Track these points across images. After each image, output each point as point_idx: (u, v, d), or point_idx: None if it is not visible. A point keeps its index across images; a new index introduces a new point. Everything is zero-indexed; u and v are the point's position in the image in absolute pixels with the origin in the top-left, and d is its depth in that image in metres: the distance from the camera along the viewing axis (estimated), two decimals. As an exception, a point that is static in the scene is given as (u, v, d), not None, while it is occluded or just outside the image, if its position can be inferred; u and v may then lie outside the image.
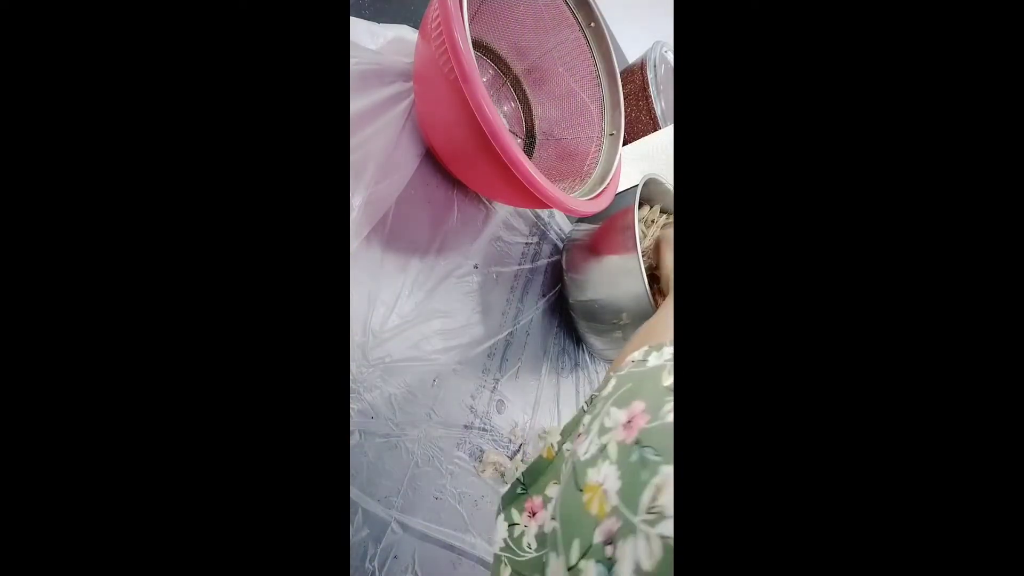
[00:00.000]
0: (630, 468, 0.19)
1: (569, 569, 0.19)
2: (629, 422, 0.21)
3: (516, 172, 0.33)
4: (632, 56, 0.71)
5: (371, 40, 0.42)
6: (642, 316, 0.42)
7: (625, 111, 0.49)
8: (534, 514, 0.27)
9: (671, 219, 0.55)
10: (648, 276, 0.42)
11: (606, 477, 0.19)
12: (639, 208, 0.47)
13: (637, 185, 0.47)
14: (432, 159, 0.42)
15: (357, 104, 0.37)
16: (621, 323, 0.44)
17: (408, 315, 0.37)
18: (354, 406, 0.31)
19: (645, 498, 0.17)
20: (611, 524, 0.18)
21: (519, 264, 0.50)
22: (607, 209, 0.43)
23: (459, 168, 0.42)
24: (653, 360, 0.24)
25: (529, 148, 0.52)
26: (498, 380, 0.43)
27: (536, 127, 0.53)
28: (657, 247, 0.45)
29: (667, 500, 0.16)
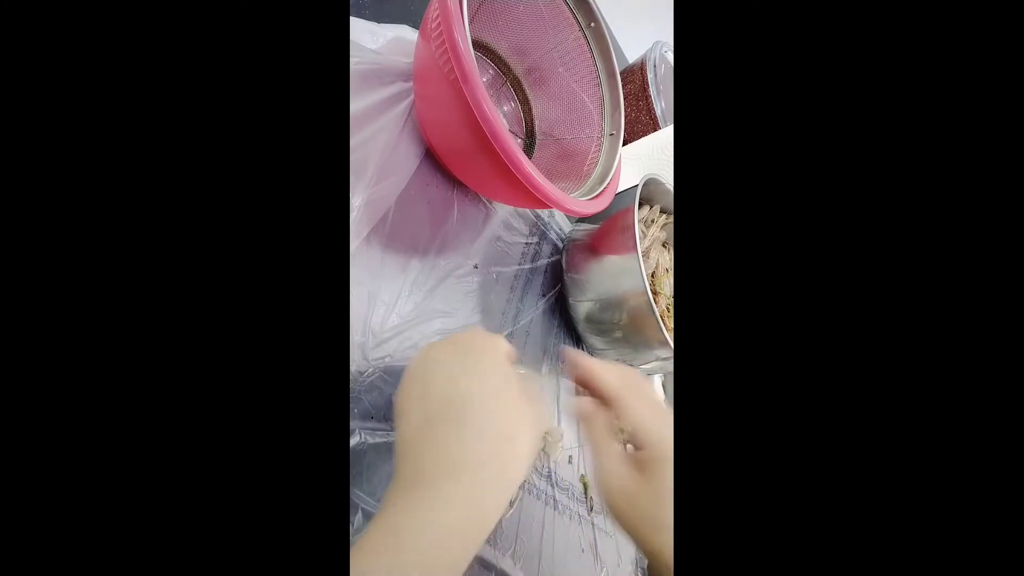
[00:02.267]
0: None
1: None
2: None
3: (516, 172, 0.33)
4: (632, 56, 0.71)
5: (371, 40, 0.42)
6: (642, 316, 0.42)
7: (625, 111, 0.49)
8: None
9: (671, 219, 0.55)
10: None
11: None
12: (639, 208, 0.47)
13: (637, 185, 0.47)
14: (432, 159, 0.42)
15: (357, 104, 0.37)
16: (621, 323, 0.44)
17: (408, 315, 0.37)
18: (354, 407, 0.31)
19: None
20: None
21: (519, 264, 0.50)
22: (607, 209, 0.43)
23: (459, 168, 0.42)
24: None
25: (529, 148, 0.52)
26: (498, 380, 0.43)
27: (536, 127, 0.53)
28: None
29: None
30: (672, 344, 0.43)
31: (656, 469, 0.24)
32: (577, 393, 0.28)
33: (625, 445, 0.26)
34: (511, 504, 0.39)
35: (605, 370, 0.26)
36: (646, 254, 0.50)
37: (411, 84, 0.41)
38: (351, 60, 0.38)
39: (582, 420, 0.27)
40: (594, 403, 0.27)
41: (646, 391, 0.26)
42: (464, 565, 0.17)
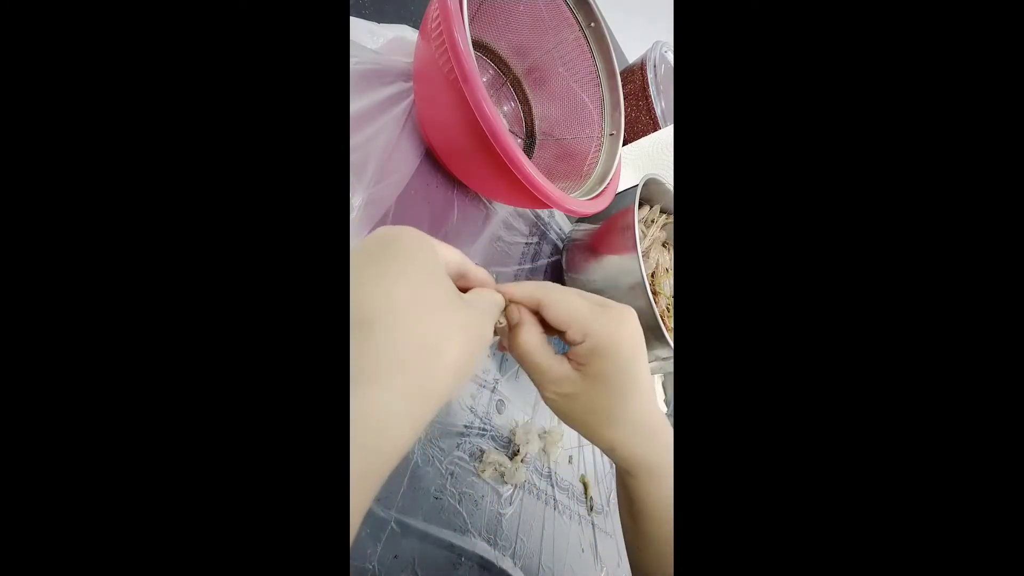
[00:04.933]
0: None
1: None
2: None
3: (516, 172, 0.33)
4: (632, 56, 0.71)
5: (371, 40, 0.42)
6: (641, 316, 0.42)
7: (625, 111, 0.49)
8: None
9: (671, 219, 0.55)
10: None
11: None
12: (639, 208, 0.47)
13: (637, 185, 0.47)
14: (432, 159, 0.42)
15: (357, 104, 0.37)
16: (621, 323, 0.44)
17: (408, 315, 0.37)
18: (354, 406, 0.31)
19: None
20: None
21: (519, 264, 0.50)
22: (607, 209, 0.43)
23: (459, 168, 0.42)
24: None
25: (529, 148, 0.52)
26: (498, 380, 0.43)
27: (536, 127, 0.53)
28: None
29: None
30: (672, 344, 0.43)
31: (595, 359, 0.23)
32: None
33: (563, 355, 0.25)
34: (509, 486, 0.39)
35: (518, 284, 0.25)
36: (646, 254, 0.50)
37: (411, 84, 0.41)
38: (351, 60, 0.38)
39: (511, 330, 0.25)
40: (523, 312, 0.25)
41: (566, 290, 0.25)
42: (367, 485, 0.16)
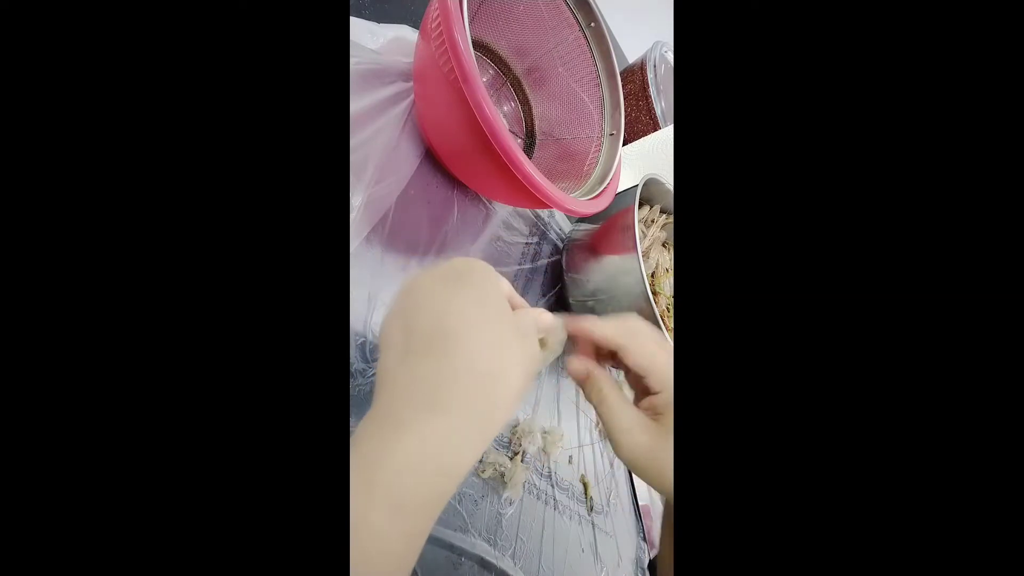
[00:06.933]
0: None
1: None
2: None
3: (516, 172, 0.33)
4: (632, 56, 0.71)
5: (371, 40, 0.42)
6: (642, 316, 0.42)
7: (625, 111, 0.49)
8: None
9: (671, 219, 0.55)
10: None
11: None
12: (639, 208, 0.47)
13: (637, 185, 0.47)
14: (432, 159, 0.42)
15: (357, 104, 0.37)
16: (621, 323, 0.44)
17: (408, 315, 0.37)
18: (354, 407, 0.31)
19: None
20: None
21: (519, 264, 0.50)
22: (607, 209, 0.43)
23: (459, 168, 0.42)
24: None
25: (529, 148, 0.52)
26: (498, 380, 0.43)
27: (536, 127, 0.53)
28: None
29: None
30: (672, 344, 0.43)
31: (672, 412, 0.23)
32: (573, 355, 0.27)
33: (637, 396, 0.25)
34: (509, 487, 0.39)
35: (603, 322, 0.25)
36: (646, 254, 0.50)
37: (411, 84, 0.41)
38: (351, 60, 0.38)
39: (583, 380, 0.25)
40: (591, 361, 0.25)
41: (649, 333, 0.24)
42: (437, 506, 0.17)
